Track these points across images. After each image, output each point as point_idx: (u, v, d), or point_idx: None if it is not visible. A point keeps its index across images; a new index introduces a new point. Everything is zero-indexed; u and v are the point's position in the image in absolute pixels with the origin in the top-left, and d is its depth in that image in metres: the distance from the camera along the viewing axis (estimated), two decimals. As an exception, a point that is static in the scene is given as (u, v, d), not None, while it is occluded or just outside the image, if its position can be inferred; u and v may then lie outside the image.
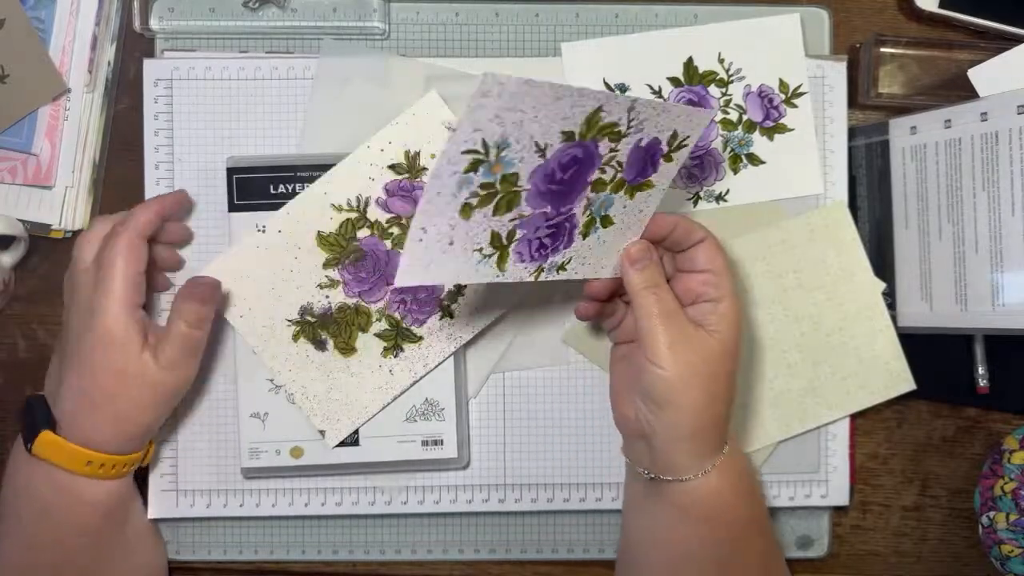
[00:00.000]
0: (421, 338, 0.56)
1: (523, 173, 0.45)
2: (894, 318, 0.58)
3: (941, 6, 0.58)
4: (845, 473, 0.59)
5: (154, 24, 0.58)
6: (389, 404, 0.57)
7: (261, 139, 0.58)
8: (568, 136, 0.45)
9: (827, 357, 0.58)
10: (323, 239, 0.56)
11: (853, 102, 0.59)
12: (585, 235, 0.49)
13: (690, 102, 0.58)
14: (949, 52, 0.58)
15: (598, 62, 0.58)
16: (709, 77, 0.58)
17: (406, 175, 0.56)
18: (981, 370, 0.58)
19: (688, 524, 0.49)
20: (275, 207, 0.55)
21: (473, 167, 0.44)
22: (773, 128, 0.58)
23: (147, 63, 0.58)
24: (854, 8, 0.61)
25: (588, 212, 0.48)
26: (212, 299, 0.52)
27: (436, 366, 0.56)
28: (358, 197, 0.56)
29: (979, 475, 0.58)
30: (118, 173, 0.59)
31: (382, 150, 0.56)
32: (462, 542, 0.60)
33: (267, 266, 0.55)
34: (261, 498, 0.58)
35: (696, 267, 0.49)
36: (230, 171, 0.56)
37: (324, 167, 0.56)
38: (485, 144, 0.43)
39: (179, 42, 0.58)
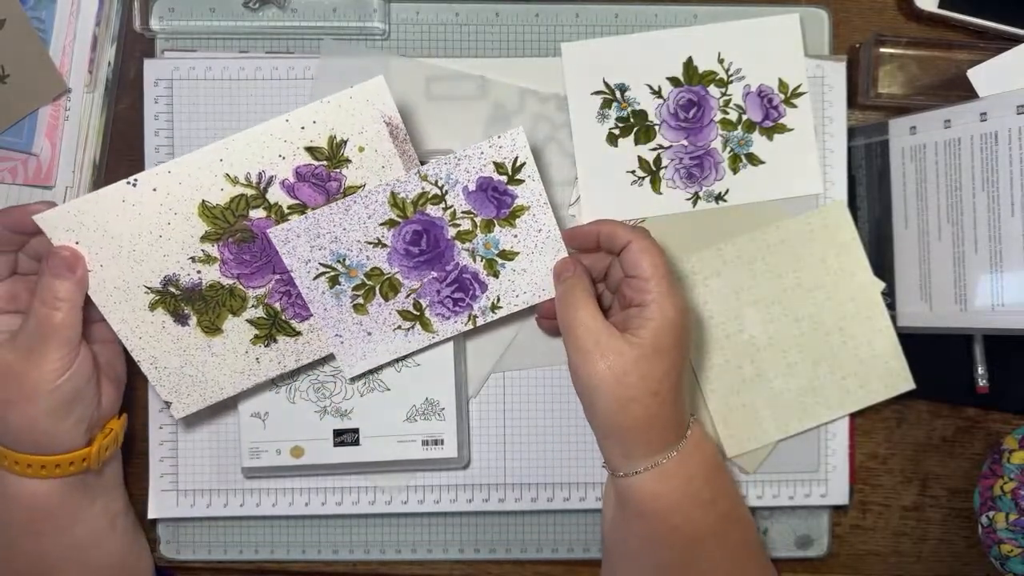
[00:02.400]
0: (300, 333, 0.54)
1: (381, 264, 0.52)
2: (894, 318, 0.58)
3: (941, 6, 0.58)
4: (845, 473, 0.59)
5: (154, 24, 0.58)
6: (247, 389, 0.54)
7: (261, 139, 0.58)
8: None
9: (827, 357, 0.58)
10: (207, 209, 0.50)
11: (853, 102, 0.59)
12: (496, 275, 0.53)
13: (690, 102, 0.58)
14: (949, 52, 0.58)
15: (598, 62, 0.58)
16: (709, 77, 0.58)
17: (324, 162, 0.50)
18: (981, 370, 0.58)
19: (627, 519, 0.51)
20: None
21: (334, 281, 0.51)
22: (773, 128, 0.58)
23: (147, 63, 0.58)
24: (854, 8, 0.61)
25: (477, 258, 0.53)
26: (68, 273, 0.47)
27: (308, 362, 0.54)
28: (260, 173, 0.50)
29: (979, 475, 0.58)
30: (118, 173, 0.59)
31: (303, 128, 0.49)
32: (462, 542, 0.60)
33: (131, 224, 0.49)
34: (261, 498, 0.58)
35: (626, 272, 0.50)
36: (230, 171, 0.56)
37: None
38: (336, 258, 0.51)
39: (179, 42, 0.58)
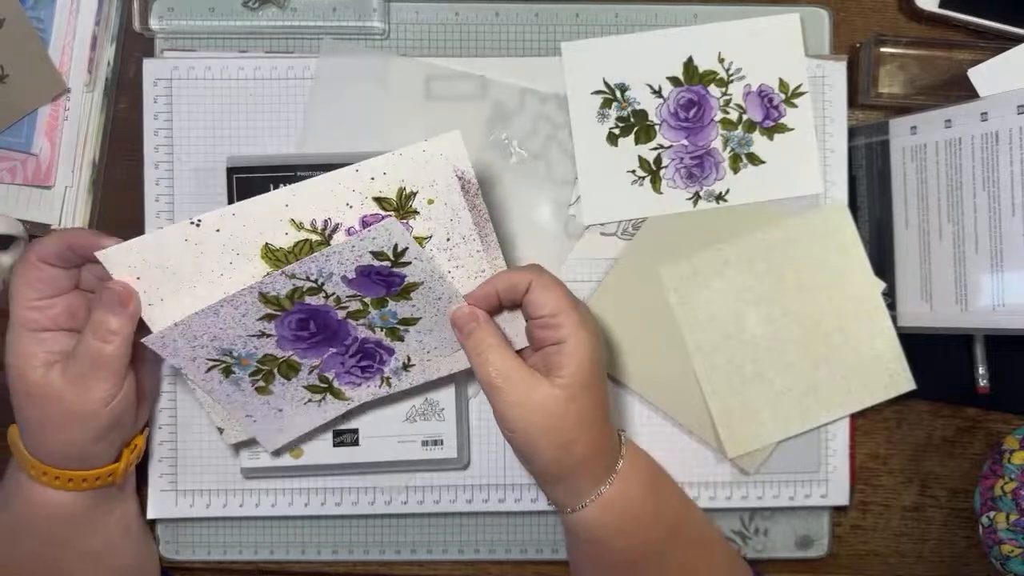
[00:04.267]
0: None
1: (272, 351, 0.50)
2: (894, 318, 0.58)
3: (941, 6, 0.58)
4: (845, 473, 0.59)
5: (154, 24, 0.58)
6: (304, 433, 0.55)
7: (261, 139, 0.58)
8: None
9: (827, 357, 0.58)
10: (270, 252, 0.48)
11: (853, 102, 0.59)
12: (401, 339, 0.51)
13: (690, 102, 0.58)
14: (949, 52, 0.58)
15: (598, 62, 0.58)
16: (709, 77, 0.58)
17: (392, 212, 0.48)
18: (981, 370, 0.58)
19: (579, 546, 0.51)
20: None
21: (227, 371, 0.50)
22: (773, 128, 0.58)
23: (147, 63, 0.58)
24: (854, 8, 0.61)
25: (377, 329, 0.51)
26: (122, 309, 0.47)
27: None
28: (326, 221, 0.48)
29: (979, 475, 0.58)
30: (118, 173, 0.59)
31: (372, 179, 0.47)
32: (462, 542, 0.60)
33: (194, 262, 0.48)
34: (261, 498, 0.58)
35: (533, 314, 0.48)
36: (230, 171, 0.56)
37: (324, 167, 0.55)
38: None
39: (179, 42, 0.58)
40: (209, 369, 0.50)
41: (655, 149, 0.58)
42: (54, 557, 0.52)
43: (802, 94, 0.58)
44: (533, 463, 0.49)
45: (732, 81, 0.58)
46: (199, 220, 0.47)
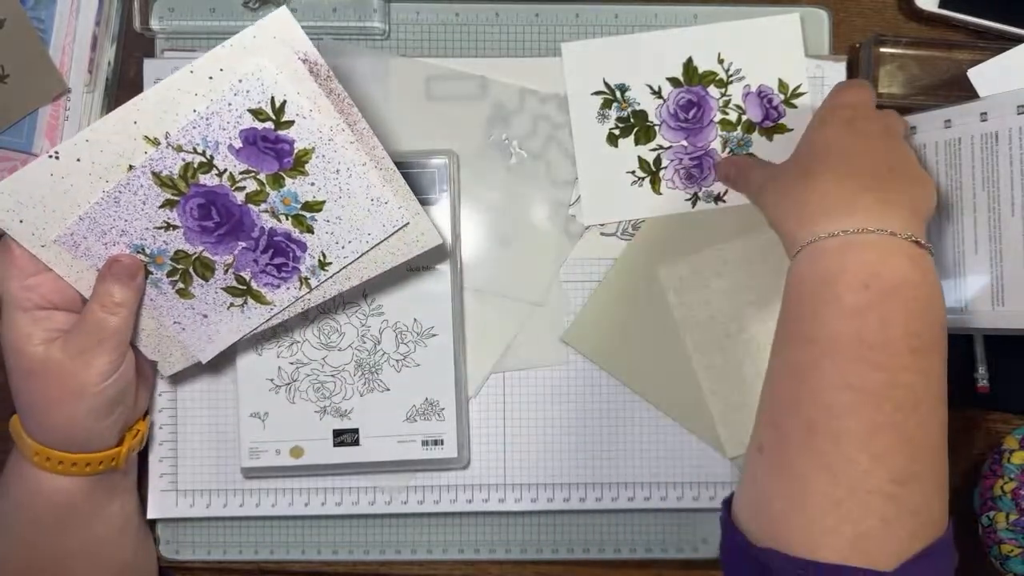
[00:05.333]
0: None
1: (182, 246, 0.50)
2: (894, 318, 0.58)
3: (941, 6, 0.58)
4: (845, 473, 0.59)
5: (154, 24, 0.58)
6: (237, 339, 0.53)
7: (261, 139, 0.58)
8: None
9: (827, 357, 0.58)
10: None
11: (853, 102, 0.59)
12: (310, 230, 0.50)
13: (690, 102, 0.58)
14: (949, 52, 0.58)
15: (598, 62, 0.58)
16: (709, 77, 0.58)
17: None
18: (981, 370, 0.58)
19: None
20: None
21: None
22: (772, 128, 0.58)
23: (147, 63, 0.58)
24: (854, 8, 0.61)
25: (281, 217, 0.50)
26: (130, 280, 0.49)
27: (277, 319, 0.53)
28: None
29: (979, 475, 0.58)
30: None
31: (211, 77, 0.46)
32: (462, 542, 0.60)
33: (67, 197, 0.48)
34: (261, 498, 0.58)
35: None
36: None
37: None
38: (134, 250, 0.49)
39: (179, 42, 0.58)
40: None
41: (655, 150, 0.58)
42: (51, 546, 0.52)
43: (801, 95, 0.58)
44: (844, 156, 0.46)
45: (732, 82, 0.58)
46: (56, 152, 0.47)
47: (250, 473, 0.57)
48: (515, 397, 0.59)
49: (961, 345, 0.58)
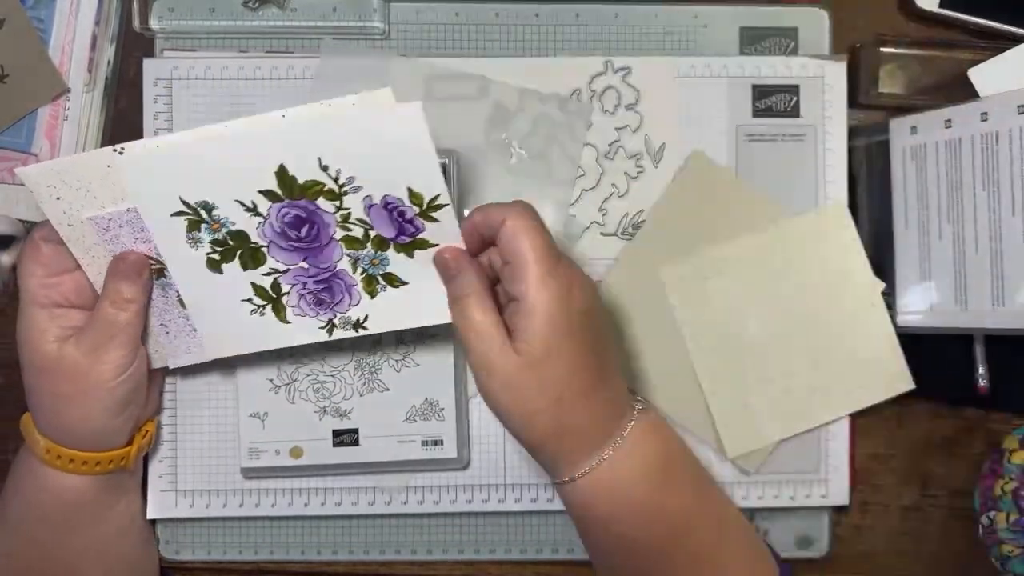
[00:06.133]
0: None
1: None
2: (894, 318, 0.58)
3: (941, 6, 0.58)
4: (845, 473, 0.59)
5: (154, 24, 0.58)
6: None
7: (261, 139, 0.57)
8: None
9: (827, 357, 0.58)
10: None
11: (853, 102, 0.59)
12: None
13: (298, 219, 0.46)
14: (949, 52, 0.58)
15: (167, 177, 0.45)
16: (314, 188, 0.45)
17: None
18: (981, 370, 0.58)
19: (574, 520, 0.49)
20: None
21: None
22: (412, 244, 0.47)
23: (147, 63, 0.58)
24: (854, 8, 0.60)
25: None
26: (137, 277, 0.48)
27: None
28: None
29: (979, 475, 0.58)
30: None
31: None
32: (462, 542, 0.60)
33: (118, 189, 0.46)
34: (261, 498, 0.58)
35: (504, 258, 0.44)
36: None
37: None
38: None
39: (179, 42, 0.58)
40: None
41: (269, 274, 0.48)
42: (59, 545, 0.52)
43: (442, 207, 0.45)
44: (506, 426, 0.46)
45: (346, 193, 0.45)
46: (123, 148, 0.44)
47: (250, 473, 0.57)
48: (515, 397, 0.59)
49: (961, 345, 0.58)
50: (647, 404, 0.50)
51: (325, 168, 0.44)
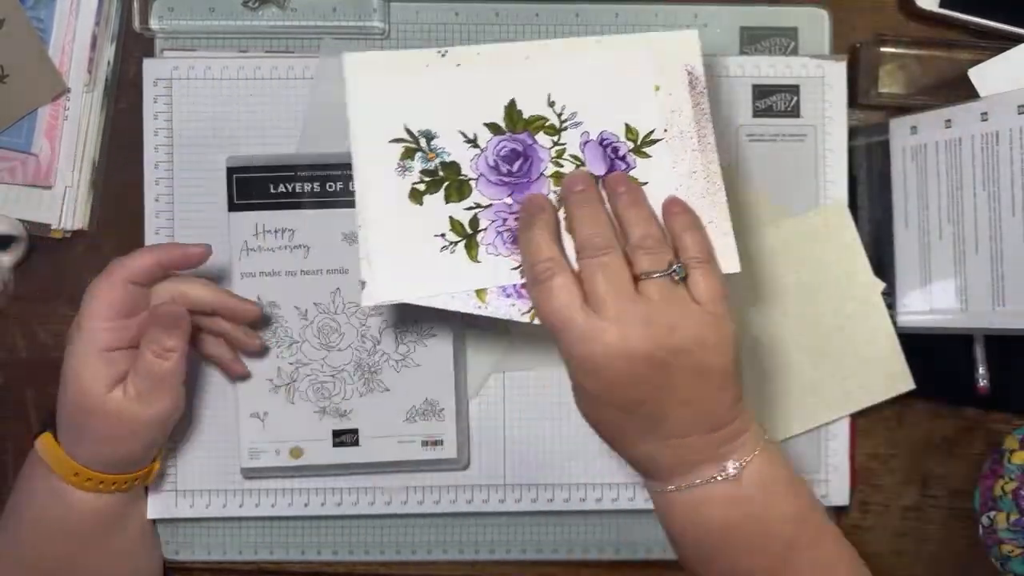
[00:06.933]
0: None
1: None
2: (894, 318, 0.58)
3: (941, 6, 0.58)
4: (845, 473, 0.59)
5: (154, 24, 0.58)
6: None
7: (261, 139, 0.58)
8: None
9: (827, 357, 0.58)
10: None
11: (853, 102, 0.59)
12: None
13: (514, 152, 0.48)
14: (949, 52, 0.58)
15: (395, 101, 0.48)
16: (536, 123, 0.48)
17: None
18: (981, 370, 0.58)
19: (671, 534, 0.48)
20: (275, 207, 0.55)
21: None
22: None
23: (147, 63, 0.58)
24: (854, 8, 0.60)
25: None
26: (176, 328, 0.49)
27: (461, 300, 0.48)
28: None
29: (979, 475, 0.58)
30: (118, 173, 0.59)
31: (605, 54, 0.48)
32: (462, 542, 0.60)
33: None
34: (261, 498, 0.58)
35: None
36: (230, 170, 0.56)
37: (324, 167, 0.56)
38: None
39: (179, 42, 0.58)
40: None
41: (471, 208, 0.48)
42: (82, 562, 0.53)
43: (655, 141, 0.48)
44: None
45: (566, 128, 0.48)
46: (446, 51, 0.48)
47: (250, 473, 0.57)
48: (515, 397, 0.59)
49: (961, 345, 0.58)
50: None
51: (552, 104, 0.48)
